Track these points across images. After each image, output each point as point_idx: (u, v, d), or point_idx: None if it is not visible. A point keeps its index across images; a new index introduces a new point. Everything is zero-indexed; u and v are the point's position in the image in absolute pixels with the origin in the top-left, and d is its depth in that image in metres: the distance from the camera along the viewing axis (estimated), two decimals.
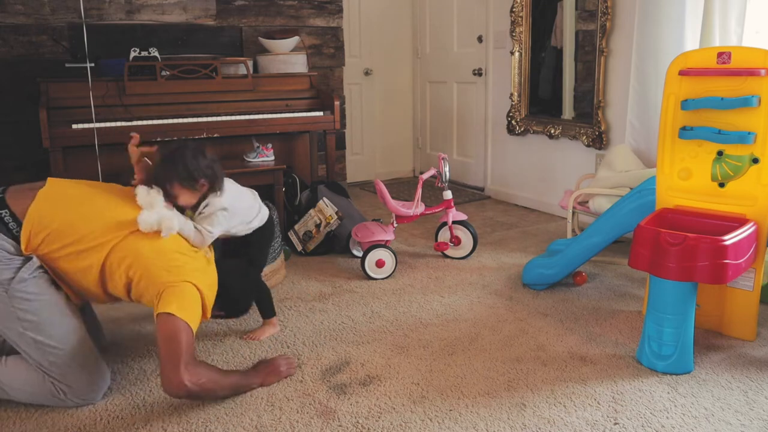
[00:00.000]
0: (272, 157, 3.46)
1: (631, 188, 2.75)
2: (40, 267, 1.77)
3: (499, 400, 1.83)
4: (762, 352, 2.09)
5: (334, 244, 3.22)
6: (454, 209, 3.09)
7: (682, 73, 2.12)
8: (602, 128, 3.55)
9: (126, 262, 1.78)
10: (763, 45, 2.75)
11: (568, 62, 3.86)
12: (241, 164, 3.39)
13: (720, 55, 2.05)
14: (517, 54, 4.08)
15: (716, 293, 2.21)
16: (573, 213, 3.10)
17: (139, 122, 3.17)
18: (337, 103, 3.60)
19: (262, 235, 2.25)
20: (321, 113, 3.61)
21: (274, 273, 2.76)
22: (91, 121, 3.01)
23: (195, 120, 3.30)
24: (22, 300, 1.73)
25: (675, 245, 1.86)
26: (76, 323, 1.82)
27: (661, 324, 1.95)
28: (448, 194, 3.06)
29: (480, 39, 4.49)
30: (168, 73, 3.34)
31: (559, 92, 3.97)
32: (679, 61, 2.14)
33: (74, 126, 3.04)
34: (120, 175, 3.09)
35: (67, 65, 3.24)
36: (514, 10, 4.04)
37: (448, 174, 3.03)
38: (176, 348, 1.70)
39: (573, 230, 3.14)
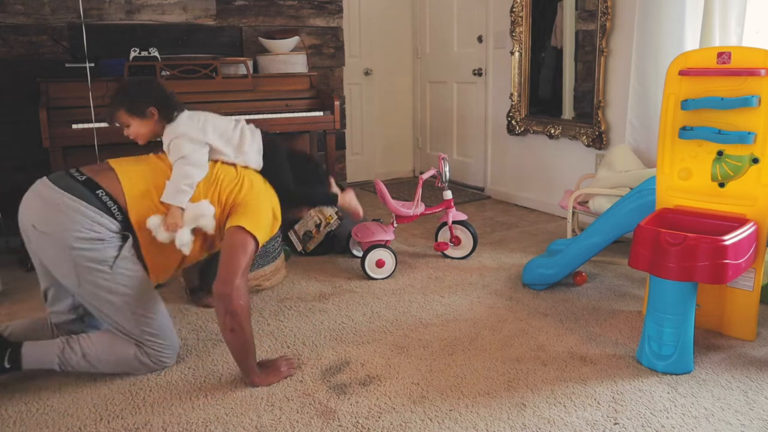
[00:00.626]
0: None
1: (631, 188, 2.75)
2: (133, 245, 1.91)
3: (499, 400, 1.83)
4: (762, 352, 2.09)
5: (334, 244, 3.22)
6: (454, 209, 3.09)
7: (682, 73, 2.12)
8: (602, 128, 3.55)
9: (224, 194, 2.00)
10: (763, 45, 2.75)
11: (568, 62, 3.86)
12: None
13: (720, 55, 2.05)
14: (517, 54, 4.08)
15: (716, 293, 2.21)
16: (573, 213, 3.10)
17: None
18: (337, 103, 3.60)
19: (270, 166, 2.18)
20: (321, 113, 3.61)
21: (274, 273, 2.76)
22: (91, 121, 3.01)
23: None
24: (123, 276, 1.87)
25: (675, 245, 1.86)
26: (158, 295, 1.98)
27: (661, 324, 1.95)
28: (448, 194, 3.06)
29: (480, 39, 4.49)
30: (168, 73, 3.34)
31: (559, 92, 3.97)
32: (679, 61, 2.14)
33: (74, 126, 3.04)
34: None
35: (67, 65, 3.25)
36: (514, 10, 4.04)
37: (448, 174, 3.03)
38: (240, 258, 1.85)
39: (573, 230, 3.14)
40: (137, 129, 2.07)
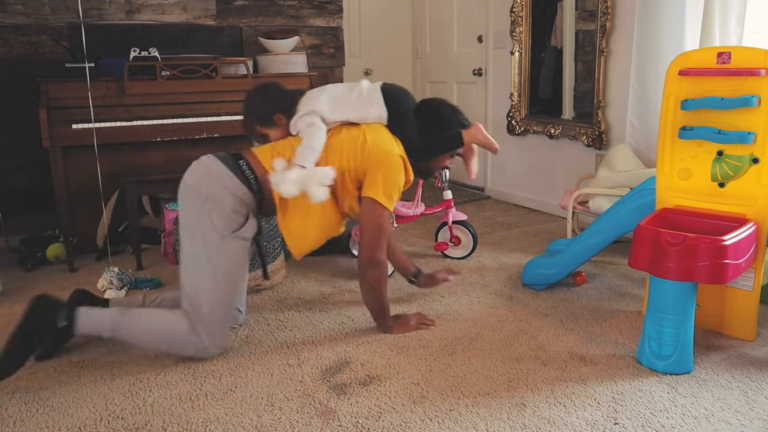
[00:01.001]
0: None
1: (631, 188, 2.75)
2: (253, 229, 2.10)
3: (499, 400, 1.83)
4: (762, 352, 2.09)
5: (334, 244, 3.21)
6: (454, 209, 3.09)
7: (682, 73, 2.12)
8: (602, 128, 3.55)
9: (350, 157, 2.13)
10: (763, 45, 2.75)
11: (568, 62, 3.86)
12: None
13: (720, 55, 2.05)
14: (517, 54, 4.08)
15: (716, 293, 2.21)
16: (573, 213, 3.10)
17: (139, 122, 3.17)
18: None
19: (394, 120, 2.22)
20: None
21: (274, 273, 2.76)
22: (91, 121, 3.01)
23: (195, 120, 3.30)
24: (227, 251, 2.03)
25: (675, 245, 1.86)
26: (244, 292, 2.21)
27: (661, 324, 1.95)
28: (448, 194, 3.06)
29: (480, 39, 4.49)
30: (168, 73, 3.34)
31: (559, 92, 3.97)
32: (679, 61, 2.14)
33: (74, 126, 3.03)
34: (121, 176, 3.10)
35: (67, 65, 3.24)
36: (514, 10, 4.04)
37: (448, 174, 3.03)
38: (381, 235, 2.12)
39: (573, 230, 3.14)
40: (275, 136, 2.25)
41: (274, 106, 2.24)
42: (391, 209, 2.13)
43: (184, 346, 2.03)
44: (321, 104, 2.18)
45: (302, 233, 2.13)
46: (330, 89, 2.24)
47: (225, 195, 2.03)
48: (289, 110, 2.22)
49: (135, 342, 2.05)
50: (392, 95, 2.23)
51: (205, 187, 2.05)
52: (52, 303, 2.02)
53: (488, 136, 2.33)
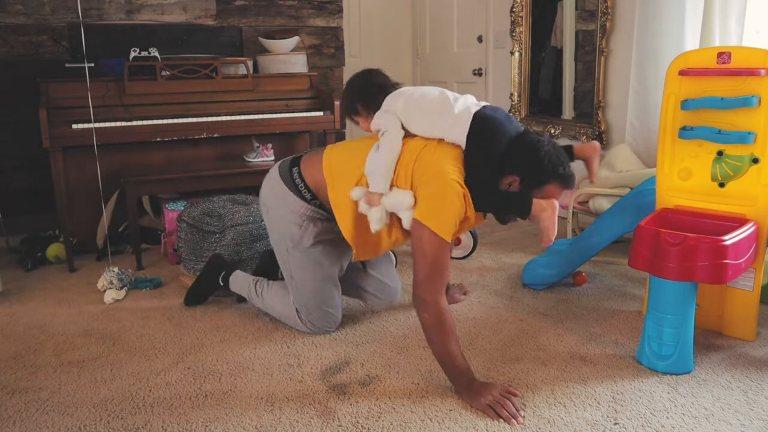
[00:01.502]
0: (272, 157, 3.46)
1: (631, 188, 2.75)
2: (316, 235, 2.14)
3: None
4: (762, 352, 2.09)
5: None
6: None
7: (682, 73, 2.12)
8: (602, 128, 3.55)
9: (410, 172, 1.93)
10: (763, 45, 2.75)
11: (568, 62, 3.86)
12: (241, 164, 3.39)
13: (720, 55, 2.05)
14: (517, 54, 4.08)
15: (716, 293, 2.21)
16: (573, 213, 3.10)
17: (139, 122, 3.17)
18: (337, 103, 3.59)
19: (472, 153, 1.87)
20: (321, 113, 3.61)
21: None
22: (90, 121, 3.01)
23: (195, 120, 3.30)
24: (297, 261, 2.17)
25: (675, 245, 1.86)
26: (327, 281, 2.21)
27: (661, 324, 1.95)
28: None
29: (480, 39, 4.49)
30: (168, 73, 3.34)
31: (559, 92, 3.97)
32: (679, 61, 2.14)
33: (74, 126, 3.03)
34: (121, 176, 3.10)
35: (67, 65, 3.24)
36: (514, 10, 4.04)
37: None
38: (435, 271, 1.80)
39: (573, 230, 3.14)
40: (363, 125, 2.22)
41: (355, 96, 2.18)
42: (447, 238, 1.79)
43: (296, 325, 2.28)
44: (401, 109, 1.99)
45: (357, 240, 2.06)
46: (424, 98, 2.00)
47: (282, 210, 2.14)
48: (370, 102, 2.12)
49: (263, 311, 2.41)
50: (481, 129, 1.89)
51: (267, 202, 2.20)
52: (222, 266, 2.51)
53: (554, 221, 1.92)
